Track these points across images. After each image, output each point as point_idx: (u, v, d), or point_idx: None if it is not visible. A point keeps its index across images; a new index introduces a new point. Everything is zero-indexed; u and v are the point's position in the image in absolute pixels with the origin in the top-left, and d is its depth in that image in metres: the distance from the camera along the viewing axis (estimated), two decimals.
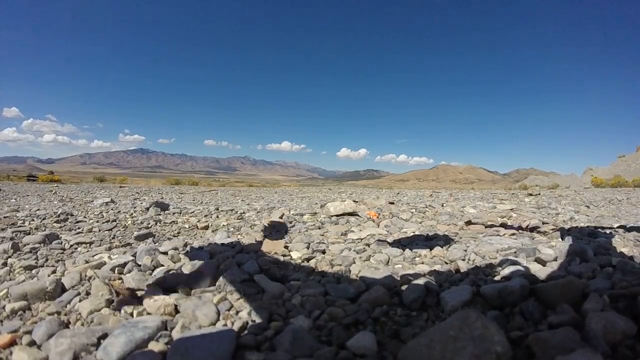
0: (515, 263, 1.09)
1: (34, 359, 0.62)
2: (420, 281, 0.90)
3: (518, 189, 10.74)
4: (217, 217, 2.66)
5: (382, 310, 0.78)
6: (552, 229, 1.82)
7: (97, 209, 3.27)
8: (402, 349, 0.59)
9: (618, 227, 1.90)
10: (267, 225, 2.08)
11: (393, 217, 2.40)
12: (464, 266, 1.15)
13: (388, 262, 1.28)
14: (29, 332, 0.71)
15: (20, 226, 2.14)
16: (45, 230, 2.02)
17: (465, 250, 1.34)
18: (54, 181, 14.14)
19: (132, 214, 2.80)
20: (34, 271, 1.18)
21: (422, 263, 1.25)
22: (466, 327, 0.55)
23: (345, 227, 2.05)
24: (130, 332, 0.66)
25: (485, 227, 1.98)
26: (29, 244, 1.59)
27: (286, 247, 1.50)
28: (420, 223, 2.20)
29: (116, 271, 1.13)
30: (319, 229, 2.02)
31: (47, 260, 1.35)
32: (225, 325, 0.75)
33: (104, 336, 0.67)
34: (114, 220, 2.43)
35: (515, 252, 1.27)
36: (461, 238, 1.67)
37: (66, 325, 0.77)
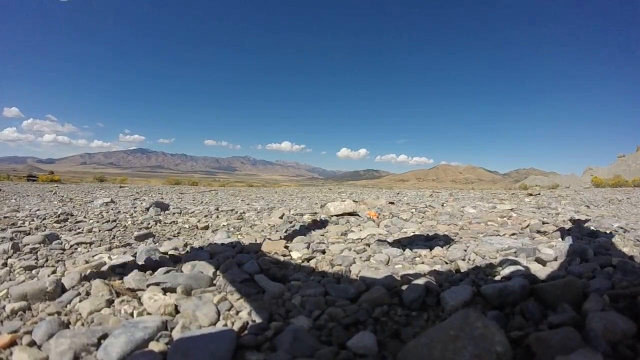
0: (515, 263, 1.09)
1: (34, 359, 0.62)
2: (421, 281, 0.90)
3: (518, 189, 10.75)
4: (217, 217, 2.66)
5: (383, 310, 0.78)
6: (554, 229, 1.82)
7: (97, 209, 3.27)
8: (403, 349, 0.59)
9: (618, 227, 1.90)
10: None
11: (393, 217, 2.40)
12: (464, 266, 1.15)
13: (388, 262, 1.28)
14: (29, 333, 0.71)
15: (21, 226, 2.14)
16: (45, 230, 2.02)
17: (466, 250, 1.34)
18: (54, 181, 14.14)
19: (132, 214, 2.80)
20: (34, 271, 1.18)
21: (422, 263, 1.25)
22: (466, 327, 0.55)
23: (346, 227, 2.05)
24: (130, 332, 0.66)
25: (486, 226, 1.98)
26: (29, 244, 1.59)
27: (286, 247, 1.50)
28: (420, 223, 2.20)
29: (116, 271, 1.13)
30: (319, 229, 2.02)
31: (47, 260, 1.35)
32: (226, 325, 0.75)
33: (104, 336, 0.67)
34: (114, 221, 2.43)
35: (515, 252, 1.27)
36: (461, 238, 1.67)
37: (66, 325, 0.77)
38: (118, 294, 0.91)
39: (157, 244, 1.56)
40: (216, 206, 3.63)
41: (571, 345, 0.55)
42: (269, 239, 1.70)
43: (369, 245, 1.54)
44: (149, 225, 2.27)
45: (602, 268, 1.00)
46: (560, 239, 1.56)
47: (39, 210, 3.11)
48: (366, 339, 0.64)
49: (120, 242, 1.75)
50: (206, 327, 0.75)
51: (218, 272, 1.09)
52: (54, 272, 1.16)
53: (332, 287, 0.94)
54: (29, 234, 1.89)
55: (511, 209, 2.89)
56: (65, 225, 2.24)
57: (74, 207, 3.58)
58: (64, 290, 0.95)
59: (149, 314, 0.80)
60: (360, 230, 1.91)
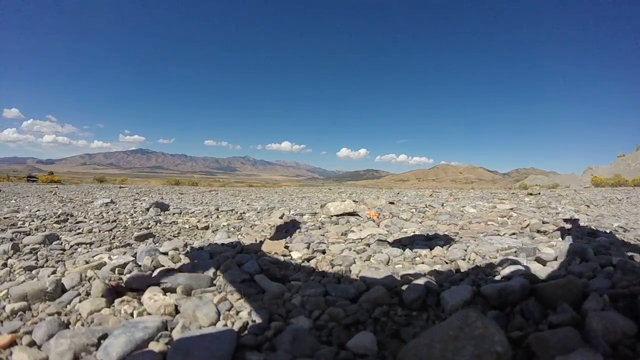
0: (515, 263, 1.09)
1: (34, 359, 0.62)
2: (421, 281, 0.90)
3: (518, 189, 10.75)
4: (217, 217, 2.66)
5: (383, 310, 0.78)
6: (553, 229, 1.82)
7: (97, 209, 3.27)
8: (402, 349, 0.59)
9: (618, 227, 1.90)
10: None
11: (393, 217, 2.40)
12: (464, 266, 1.15)
13: (388, 262, 1.28)
14: (29, 333, 0.71)
15: (21, 227, 2.14)
16: (45, 231, 2.02)
17: (466, 250, 1.34)
18: (54, 182, 14.14)
19: (132, 215, 2.80)
20: (34, 272, 1.18)
21: (423, 263, 1.25)
22: (466, 327, 0.55)
23: (346, 227, 2.05)
24: (130, 333, 0.66)
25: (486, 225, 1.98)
26: (29, 245, 1.59)
27: (286, 247, 1.50)
28: (421, 223, 2.20)
29: (116, 272, 1.13)
30: (319, 229, 2.02)
31: (47, 260, 1.35)
32: (226, 325, 0.75)
33: (104, 336, 0.67)
34: (114, 221, 2.43)
35: (515, 252, 1.27)
36: (461, 238, 1.67)
37: (66, 325, 0.77)
38: (118, 294, 0.91)
39: (157, 244, 1.56)
40: (216, 206, 3.63)
41: (571, 345, 0.55)
42: (269, 239, 1.70)
43: (369, 245, 1.54)
44: (149, 226, 2.27)
45: (602, 267, 1.00)
46: (560, 239, 1.56)
47: (39, 210, 3.11)
48: (366, 339, 0.64)
49: (120, 243, 1.75)
50: (206, 327, 0.75)
51: (218, 272, 1.09)
52: (54, 272, 1.16)
53: (332, 287, 0.94)
54: (29, 234, 1.89)
55: (511, 209, 2.89)
56: (65, 226, 2.24)
57: (74, 207, 3.58)
58: (64, 290, 0.96)
59: (149, 314, 0.80)
60: (360, 230, 1.91)
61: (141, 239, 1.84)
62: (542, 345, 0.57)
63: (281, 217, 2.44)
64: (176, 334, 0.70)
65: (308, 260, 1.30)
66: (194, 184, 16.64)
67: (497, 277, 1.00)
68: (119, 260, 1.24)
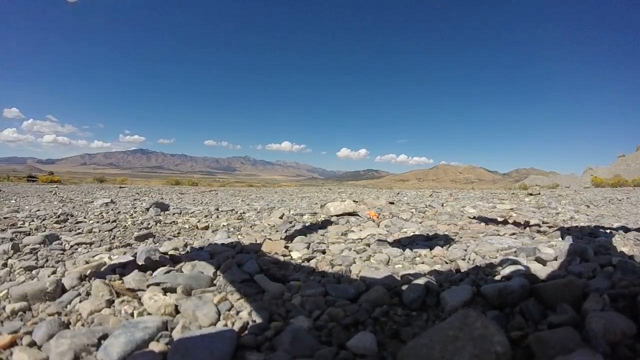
0: (515, 263, 1.09)
1: (35, 359, 0.62)
2: (421, 281, 0.90)
3: (518, 189, 10.74)
4: (217, 217, 2.66)
5: (382, 310, 0.78)
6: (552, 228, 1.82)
7: (97, 209, 3.27)
8: (402, 349, 0.59)
9: (618, 227, 1.90)
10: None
11: (393, 217, 2.40)
12: (464, 266, 1.15)
13: (388, 262, 1.28)
14: (30, 333, 0.71)
15: (21, 227, 2.14)
16: (45, 231, 2.02)
17: (466, 250, 1.34)
18: (54, 182, 14.13)
19: (132, 215, 2.80)
20: (34, 272, 1.18)
21: (423, 263, 1.25)
22: (466, 327, 0.55)
23: (346, 227, 2.05)
24: (130, 333, 0.66)
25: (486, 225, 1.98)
26: (29, 245, 1.59)
27: (286, 247, 1.50)
28: (420, 223, 2.20)
29: (116, 272, 1.13)
30: (319, 229, 2.02)
31: (47, 261, 1.35)
32: (226, 325, 0.75)
33: (105, 336, 0.67)
34: (114, 221, 2.43)
35: (515, 252, 1.27)
36: (461, 238, 1.67)
37: (66, 325, 0.77)
38: (118, 294, 0.91)
39: (157, 244, 1.56)
40: (216, 206, 3.63)
41: (571, 345, 0.55)
42: (269, 239, 1.70)
43: (369, 245, 1.54)
44: (149, 226, 2.27)
45: (602, 268, 1.00)
46: (560, 239, 1.56)
47: (39, 210, 3.11)
48: (366, 339, 0.64)
49: (120, 243, 1.75)
50: (206, 327, 0.75)
51: (218, 272, 1.09)
52: (54, 272, 1.16)
53: (332, 287, 0.94)
54: (29, 234, 1.89)
55: (511, 209, 2.89)
56: (65, 226, 2.24)
57: (74, 207, 3.58)
58: (64, 290, 0.96)
59: (149, 314, 0.81)
60: (360, 230, 1.91)
61: (141, 239, 1.84)
62: (542, 345, 0.57)
63: (281, 217, 2.44)
64: (176, 334, 0.70)
65: (308, 260, 1.30)
66: (194, 184, 16.64)
67: (497, 277, 1.00)
68: (119, 260, 1.24)
